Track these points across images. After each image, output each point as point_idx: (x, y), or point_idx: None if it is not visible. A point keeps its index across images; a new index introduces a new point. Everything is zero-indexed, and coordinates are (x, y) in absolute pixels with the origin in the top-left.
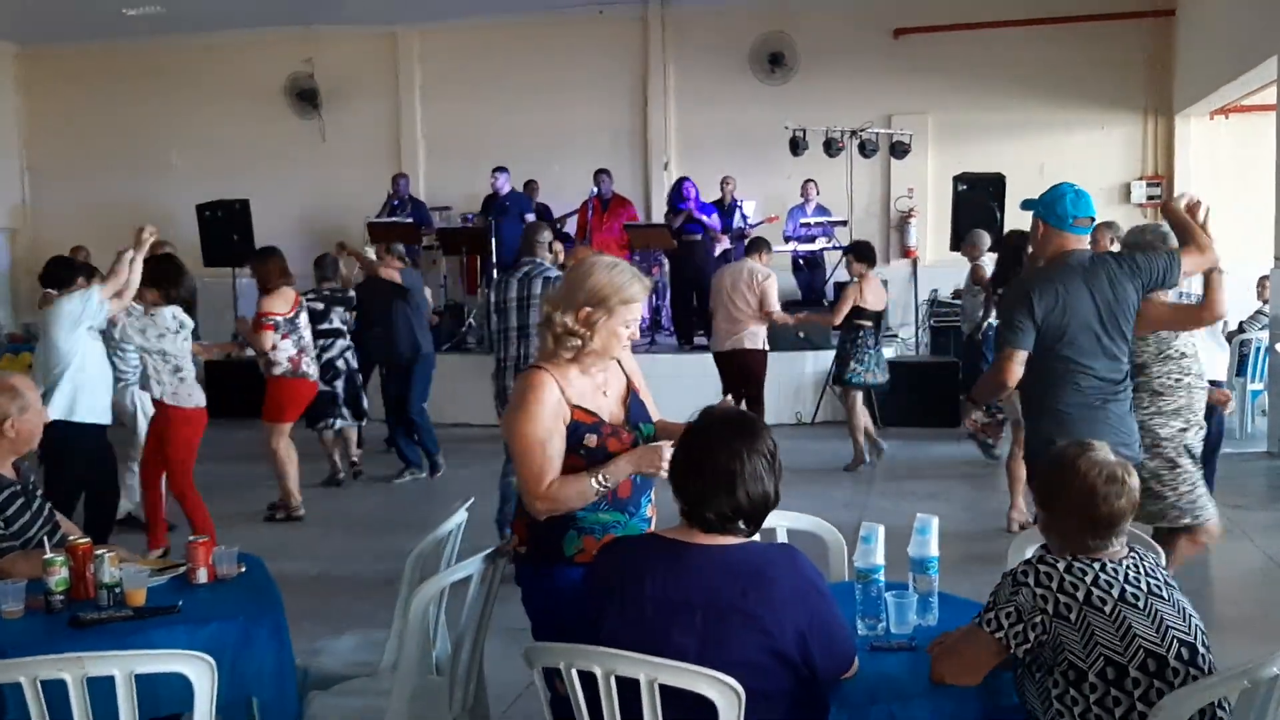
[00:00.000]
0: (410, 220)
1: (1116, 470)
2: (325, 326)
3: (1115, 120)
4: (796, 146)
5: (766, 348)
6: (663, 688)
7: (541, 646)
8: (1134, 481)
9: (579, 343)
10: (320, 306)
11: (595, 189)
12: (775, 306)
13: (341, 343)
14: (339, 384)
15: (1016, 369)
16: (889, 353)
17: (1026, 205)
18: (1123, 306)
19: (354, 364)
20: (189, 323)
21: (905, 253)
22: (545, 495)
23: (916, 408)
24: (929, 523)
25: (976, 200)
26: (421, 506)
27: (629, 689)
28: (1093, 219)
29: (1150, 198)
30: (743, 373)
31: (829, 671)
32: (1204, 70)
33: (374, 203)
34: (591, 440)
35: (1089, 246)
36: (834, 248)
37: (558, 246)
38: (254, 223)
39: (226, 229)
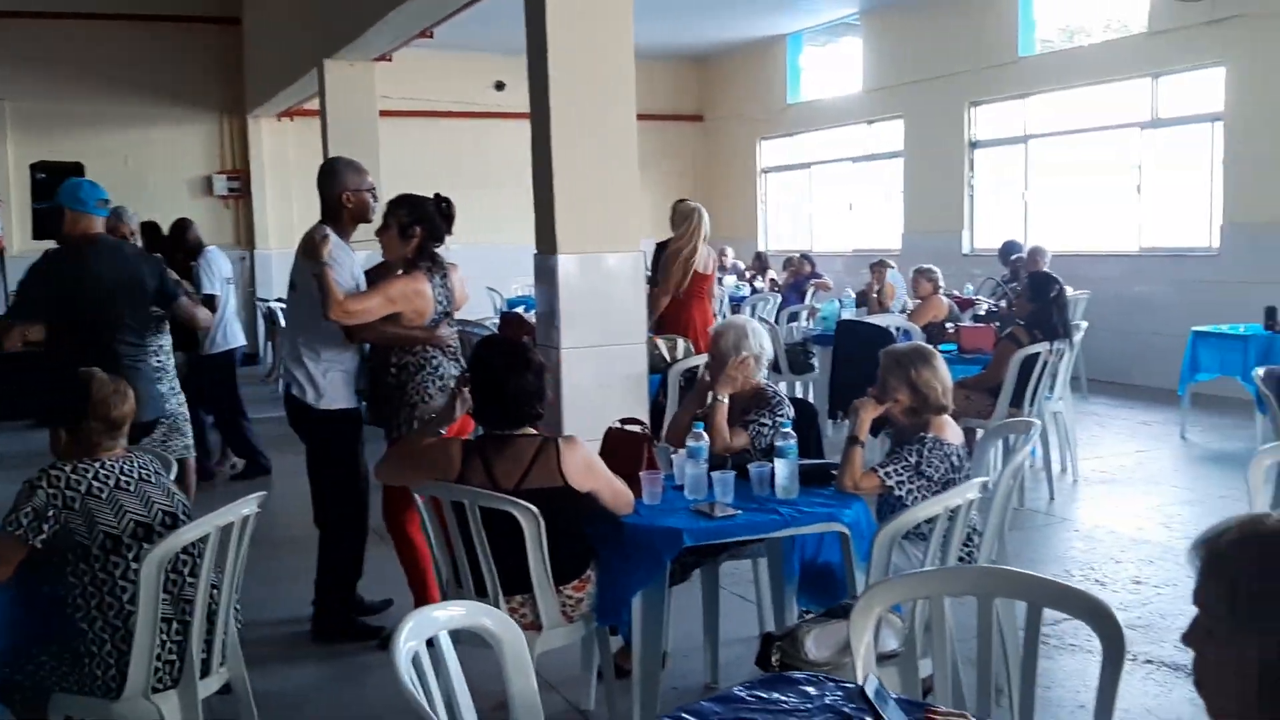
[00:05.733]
0: None
1: (116, 388)
2: None
3: (195, 117)
4: None
5: None
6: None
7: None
8: (124, 396)
9: None
10: None
11: None
12: None
13: None
14: None
15: None
16: None
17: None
18: (142, 283)
19: None
20: None
21: None
22: None
23: None
24: None
25: (57, 188)
26: None
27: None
28: (107, 201)
29: (231, 190)
30: None
31: None
32: (267, 76)
33: None
34: None
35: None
36: None
37: None
38: None
39: None
